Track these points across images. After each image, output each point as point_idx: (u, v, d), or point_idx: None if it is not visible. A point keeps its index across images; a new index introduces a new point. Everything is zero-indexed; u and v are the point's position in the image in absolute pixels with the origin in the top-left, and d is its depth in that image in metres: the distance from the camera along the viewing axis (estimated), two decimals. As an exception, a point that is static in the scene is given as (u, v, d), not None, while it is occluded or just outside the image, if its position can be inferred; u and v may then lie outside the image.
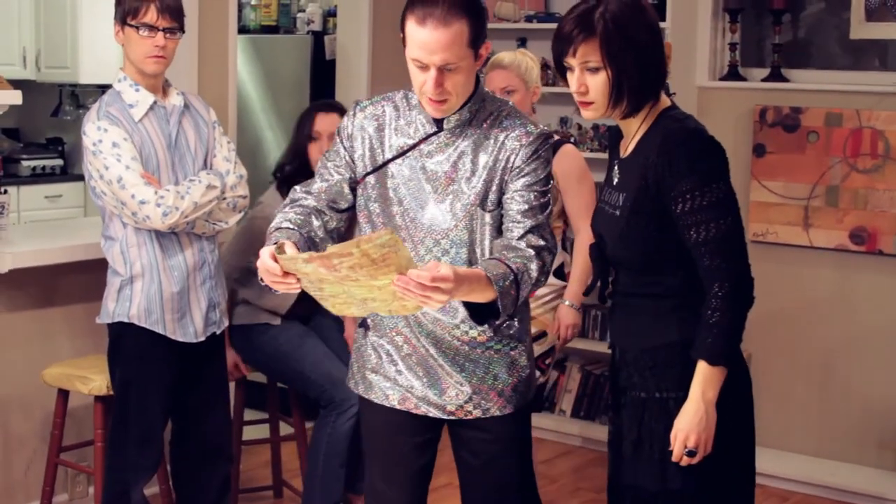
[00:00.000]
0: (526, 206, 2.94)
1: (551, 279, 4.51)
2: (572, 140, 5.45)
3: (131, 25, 3.92)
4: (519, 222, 2.93)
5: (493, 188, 2.97)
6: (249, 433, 5.16)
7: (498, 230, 2.99)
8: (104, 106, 3.99)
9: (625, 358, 3.02)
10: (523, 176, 2.95)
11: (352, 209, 3.11)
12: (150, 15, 3.90)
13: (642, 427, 2.95)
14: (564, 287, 4.56)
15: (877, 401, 5.48)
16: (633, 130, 2.95)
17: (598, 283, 3.10)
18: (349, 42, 6.31)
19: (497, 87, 4.47)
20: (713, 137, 2.88)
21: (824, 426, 5.62)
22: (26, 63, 7.79)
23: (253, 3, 7.09)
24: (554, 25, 6.12)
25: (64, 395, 4.46)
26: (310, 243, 2.94)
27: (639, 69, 2.82)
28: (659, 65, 2.89)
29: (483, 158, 2.97)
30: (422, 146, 3.01)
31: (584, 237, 4.45)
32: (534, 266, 2.86)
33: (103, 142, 3.92)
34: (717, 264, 2.81)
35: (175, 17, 3.96)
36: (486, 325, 2.81)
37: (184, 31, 4.04)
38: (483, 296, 2.74)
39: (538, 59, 4.61)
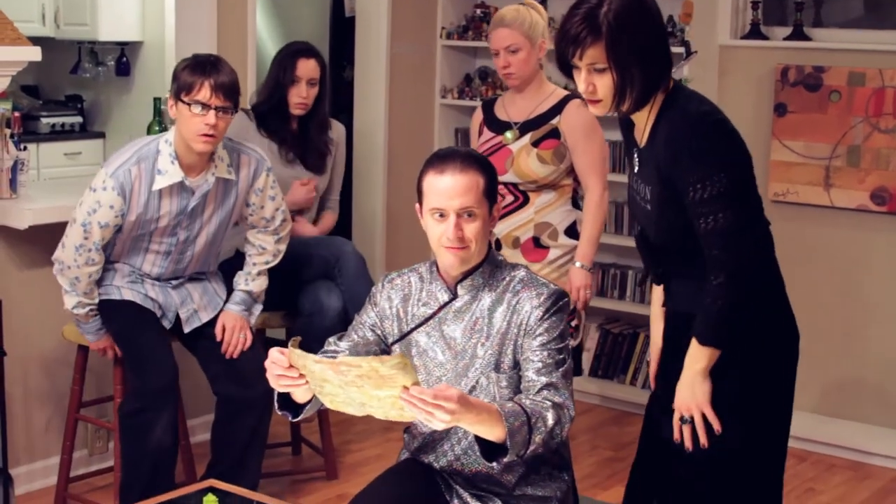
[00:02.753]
0: (541, 365, 2.96)
1: (565, 239, 4.50)
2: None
3: (184, 102, 3.95)
4: (535, 381, 2.95)
5: (508, 352, 3.01)
6: (268, 390, 5.17)
7: (516, 390, 3.01)
8: (132, 161, 4.06)
9: (674, 320, 3.12)
10: (537, 336, 2.98)
11: None
12: (204, 93, 3.92)
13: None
14: (575, 247, 4.52)
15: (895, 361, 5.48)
16: (644, 119, 2.97)
17: (650, 270, 3.19)
18: (368, -1, 6.28)
19: (501, 46, 4.45)
20: (719, 121, 2.90)
21: (842, 386, 5.62)
22: (45, 20, 7.78)
23: (272, -41, 7.08)
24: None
25: (84, 351, 4.48)
26: None
27: (643, 69, 2.84)
28: (663, 61, 2.91)
29: (497, 323, 3.01)
30: (440, 314, 3.07)
31: (593, 195, 4.44)
32: (550, 415, 2.85)
33: (97, 192, 4.05)
34: (716, 254, 2.87)
35: (229, 96, 3.97)
36: (494, 463, 2.81)
37: (238, 109, 4.06)
38: (492, 431, 2.74)
39: (544, 13, 4.56)
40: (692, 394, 2.94)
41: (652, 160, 2.93)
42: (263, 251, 4.42)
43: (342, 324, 4.63)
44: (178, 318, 4.33)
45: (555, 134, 4.45)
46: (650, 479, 3.15)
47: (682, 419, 2.97)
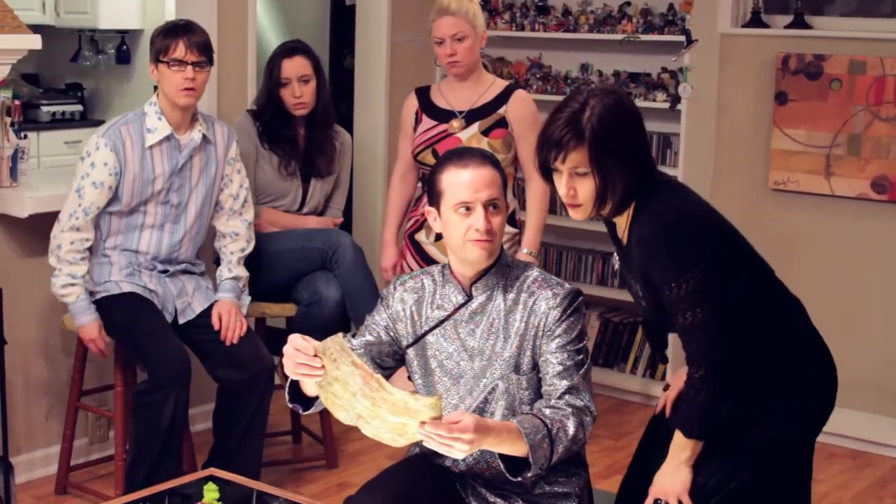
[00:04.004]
0: (561, 368, 2.96)
1: (507, 227, 4.55)
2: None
3: (163, 62, 4.23)
4: (555, 385, 2.95)
5: (527, 353, 3.01)
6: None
7: (536, 391, 3.02)
8: (121, 122, 4.29)
9: None
10: (556, 337, 2.98)
11: (392, 371, 3.18)
12: (180, 50, 4.22)
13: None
14: (517, 234, 4.62)
15: (896, 350, 5.48)
16: (625, 220, 3.01)
17: (659, 353, 3.29)
18: (369, -13, 6.26)
19: (447, 34, 4.50)
20: (686, 217, 2.92)
21: (843, 375, 5.59)
22: (45, 8, 7.77)
23: (272, -53, 7.06)
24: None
25: (84, 339, 4.49)
26: None
27: (624, 174, 2.88)
28: (644, 165, 2.93)
29: (514, 325, 3.01)
30: (455, 316, 3.07)
31: (538, 183, 4.50)
32: (571, 423, 2.86)
33: (91, 156, 4.24)
34: (694, 348, 2.91)
35: (203, 51, 4.27)
36: (520, 478, 2.82)
37: (212, 64, 4.33)
38: (514, 448, 2.76)
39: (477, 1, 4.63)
40: (672, 481, 2.98)
41: (636, 261, 2.98)
42: (237, 237, 4.52)
43: (341, 314, 4.65)
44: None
45: (503, 123, 4.54)
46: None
47: (656, 502, 3.00)
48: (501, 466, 2.82)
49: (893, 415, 5.50)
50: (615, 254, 3.16)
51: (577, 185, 2.88)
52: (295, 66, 4.76)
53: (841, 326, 5.54)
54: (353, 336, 3.17)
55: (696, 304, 2.86)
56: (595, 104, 2.85)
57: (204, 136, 4.36)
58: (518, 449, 2.76)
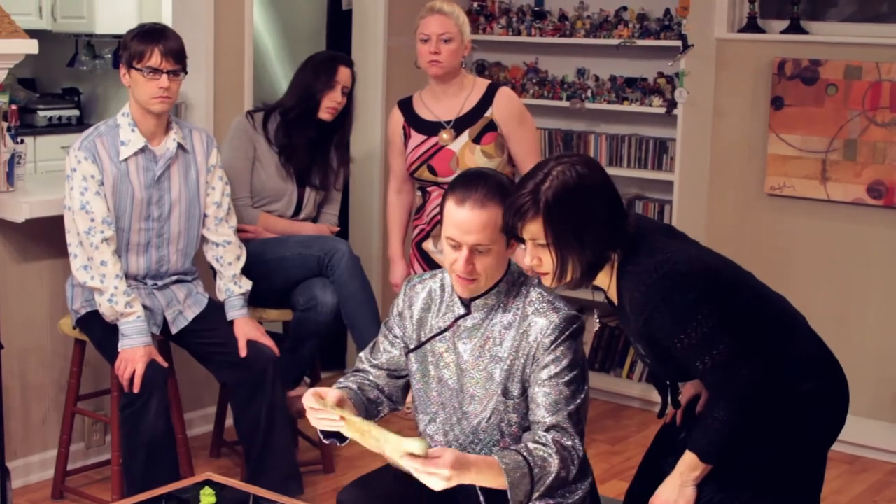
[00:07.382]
0: (549, 402, 2.94)
1: None
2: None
3: (137, 69, 4.14)
4: (542, 422, 2.94)
5: (516, 378, 3.01)
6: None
7: (524, 416, 3.02)
8: (94, 134, 4.24)
9: None
10: (545, 367, 2.97)
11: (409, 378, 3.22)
12: (155, 59, 4.13)
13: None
14: None
15: (892, 355, 5.47)
16: (607, 283, 3.00)
17: (667, 401, 3.28)
18: (365, -8, 6.27)
19: (434, 32, 4.54)
20: (670, 271, 2.87)
21: (839, 380, 5.62)
22: (42, 13, 7.78)
23: (269, -48, 7.06)
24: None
25: (81, 344, 4.48)
26: (367, 406, 3.13)
27: (580, 249, 2.83)
28: (605, 240, 2.87)
29: (506, 348, 3.02)
30: (455, 327, 3.08)
31: None
32: (554, 462, 2.86)
33: (77, 170, 4.20)
34: (722, 387, 2.89)
35: (178, 59, 4.17)
36: None
37: (187, 72, 4.24)
38: (496, 483, 2.78)
39: (463, 10, 4.70)
40: (677, 497, 2.97)
41: (633, 324, 2.96)
42: (229, 245, 4.46)
43: (337, 319, 4.66)
44: (165, 320, 4.37)
45: (492, 126, 4.56)
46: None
47: None
48: (482, 500, 2.88)
49: (889, 419, 5.50)
50: (595, 314, 3.19)
51: (540, 254, 2.86)
52: (346, 76, 4.81)
53: (837, 331, 5.54)
54: (372, 350, 3.22)
55: (711, 347, 2.84)
56: (557, 175, 2.80)
57: (180, 146, 4.29)
58: (499, 483, 2.78)
